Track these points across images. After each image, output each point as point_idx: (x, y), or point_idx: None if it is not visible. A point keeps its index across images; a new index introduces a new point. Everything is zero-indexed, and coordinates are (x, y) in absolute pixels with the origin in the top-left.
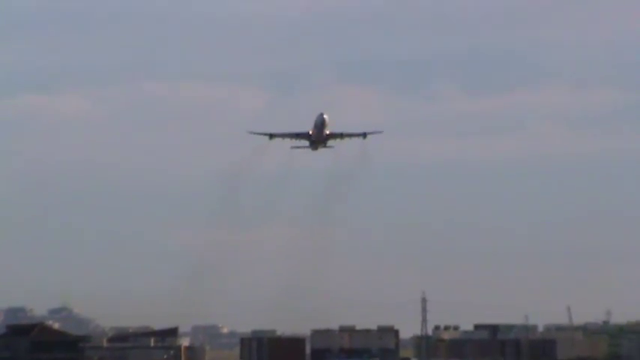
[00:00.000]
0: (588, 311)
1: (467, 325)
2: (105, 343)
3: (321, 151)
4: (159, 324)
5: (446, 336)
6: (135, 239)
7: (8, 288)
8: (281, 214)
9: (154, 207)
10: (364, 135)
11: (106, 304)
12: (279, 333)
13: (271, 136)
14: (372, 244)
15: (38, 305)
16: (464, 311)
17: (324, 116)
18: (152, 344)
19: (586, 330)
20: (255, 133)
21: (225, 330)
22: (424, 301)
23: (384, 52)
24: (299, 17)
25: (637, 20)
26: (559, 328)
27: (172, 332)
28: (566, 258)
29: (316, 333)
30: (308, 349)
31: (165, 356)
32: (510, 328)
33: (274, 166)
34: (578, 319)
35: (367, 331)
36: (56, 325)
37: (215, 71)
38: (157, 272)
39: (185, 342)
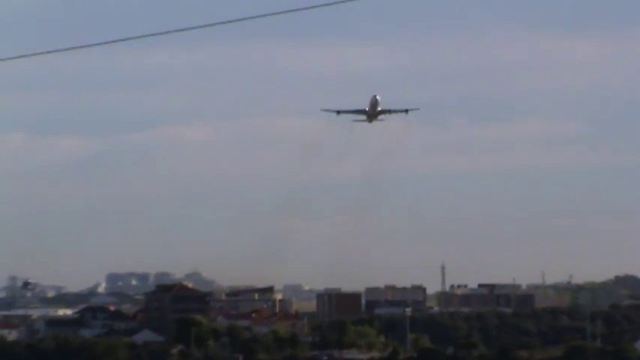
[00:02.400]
0: (557, 274)
1: (473, 284)
2: (223, 297)
3: (375, 123)
4: (260, 283)
5: (459, 292)
6: (237, 226)
7: (158, 259)
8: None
9: (252, 200)
10: (406, 111)
11: (224, 270)
12: (342, 290)
13: (338, 112)
14: (405, 222)
15: (178, 270)
16: (471, 274)
17: (377, 97)
18: (256, 298)
19: (555, 287)
20: (326, 110)
21: (306, 287)
22: (443, 267)
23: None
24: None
25: (586, 73)
26: (536, 287)
27: (269, 289)
28: (541, 238)
29: (368, 290)
30: (363, 301)
31: (264, 305)
32: (503, 286)
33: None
34: (550, 280)
35: (404, 289)
36: (190, 285)
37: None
38: (259, 246)
39: (279, 296)
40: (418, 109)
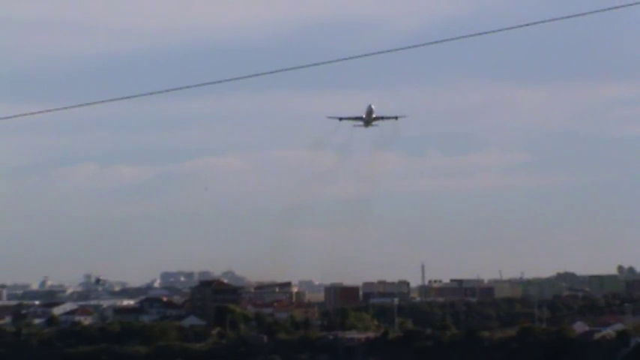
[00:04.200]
0: (511, 272)
1: (446, 279)
2: (252, 290)
3: (370, 128)
4: (280, 279)
5: (435, 285)
6: (261, 235)
7: (201, 260)
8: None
9: (271, 213)
10: (396, 118)
11: (252, 268)
12: (344, 284)
13: (340, 119)
14: (393, 231)
15: (216, 269)
16: (445, 271)
17: (372, 106)
18: (277, 291)
19: (510, 282)
20: (330, 117)
21: (316, 282)
22: (423, 266)
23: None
24: None
25: (530, 114)
26: (495, 281)
27: (288, 284)
28: (499, 243)
29: (365, 284)
30: (360, 293)
31: (284, 297)
32: (469, 281)
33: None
34: (506, 276)
35: (392, 283)
36: (226, 281)
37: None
38: (278, 250)
39: (295, 289)
40: (405, 116)
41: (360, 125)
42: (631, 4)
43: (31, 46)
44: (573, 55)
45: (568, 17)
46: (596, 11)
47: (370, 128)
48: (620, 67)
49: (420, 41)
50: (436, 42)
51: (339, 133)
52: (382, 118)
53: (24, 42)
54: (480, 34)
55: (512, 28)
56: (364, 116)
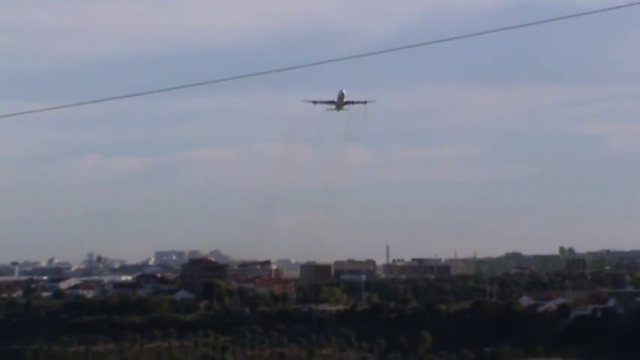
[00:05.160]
0: (466, 252)
1: (408, 259)
2: (236, 268)
3: (342, 111)
4: (261, 258)
5: (398, 264)
6: (244, 218)
7: (191, 240)
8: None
9: (253, 199)
10: (365, 102)
11: (236, 248)
12: (317, 262)
13: (314, 102)
14: (361, 216)
15: (204, 249)
16: (407, 251)
17: (344, 91)
18: (258, 268)
19: (464, 261)
20: (305, 101)
21: (293, 261)
22: (387, 247)
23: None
24: None
25: (485, 112)
26: (452, 260)
27: (268, 262)
28: (455, 227)
29: (336, 262)
30: (332, 271)
31: (264, 273)
32: (428, 260)
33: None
34: (461, 256)
35: (360, 261)
36: (213, 259)
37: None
38: (259, 231)
39: (274, 267)
40: (374, 101)
41: (332, 109)
42: (569, 16)
43: (38, 49)
44: (526, 61)
45: (520, 26)
46: (541, 22)
47: (342, 112)
48: (565, 73)
49: (389, 47)
50: (400, 48)
51: (314, 119)
52: (352, 102)
53: (32, 46)
54: (440, 40)
55: (471, 35)
56: (336, 100)
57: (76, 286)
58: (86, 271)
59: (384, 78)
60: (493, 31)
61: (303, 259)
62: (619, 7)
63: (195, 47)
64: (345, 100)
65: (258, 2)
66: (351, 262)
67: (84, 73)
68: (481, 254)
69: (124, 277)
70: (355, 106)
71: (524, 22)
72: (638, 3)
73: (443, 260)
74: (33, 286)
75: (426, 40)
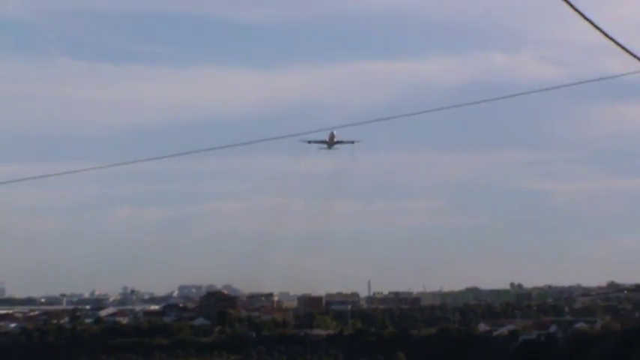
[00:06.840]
0: (433, 286)
1: (386, 292)
2: (245, 299)
3: (333, 150)
4: (265, 291)
5: (378, 296)
6: (247, 257)
7: (208, 276)
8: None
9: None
10: (352, 142)
11: (245, 283)
12: (311, 294)
13: (309, 142)
14: (347, 256)
15: (219, 283)
16: (385, 285)
17: (334, 132)
18: (263, 299)
19: (432, 294)
20: (301, 141)
21: (291, 293)
22: (369, 282)
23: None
24: None
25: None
26: (421, 293)
27: (270, 294)
28: (424, 265)
29: (327, 294)
30: (324, 301)
31: (268, 303)
32: (403, 293)
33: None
34: (429, 289)
35: (347, 294)
36: (226, 292)
37: None
38: (263, 270)
39: (276, 298)
40: (361, 141)
41: (324, 148)
42: (523, 93)
43: (74, 119)
44: (485, 130)
45: (476, 103)
46: (496, 98)
47: (333, 150)
48: (516, 140)
49: (372, 119)
50: (376, 120)
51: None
52: (342, 142)
53: (68, 115)
54: (413, 114)
55: (439, 109)
56: (327, 140)
57: (113, 314)
58: (121, 302)
59: (368, 144)
60: (457, 105)
61: (300, 292)
62: (557, 87)
63: (205, 118)
64: (335, 139)
65: (260, 81)
66: (339, 294)
67: (117, 138)
68: (446, 288)
69: (153, 307)
70: (345, 145)
71: (482, 99)
72: (574, 84)
73: (414, 293)
74: (77, 314)
75: (403, 113)
